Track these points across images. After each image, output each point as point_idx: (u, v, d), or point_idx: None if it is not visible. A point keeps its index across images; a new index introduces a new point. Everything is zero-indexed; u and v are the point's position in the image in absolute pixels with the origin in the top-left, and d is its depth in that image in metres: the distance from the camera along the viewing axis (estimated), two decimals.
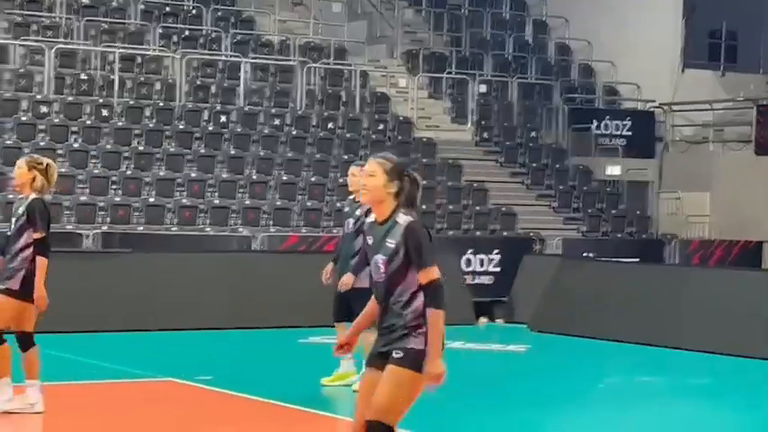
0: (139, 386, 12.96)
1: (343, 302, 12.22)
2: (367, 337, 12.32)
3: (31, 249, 10.32)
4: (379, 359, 6.70)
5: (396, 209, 6.68)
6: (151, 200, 21.50)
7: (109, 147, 22.41)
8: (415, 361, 6.55)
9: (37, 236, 10.26)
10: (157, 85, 24.52)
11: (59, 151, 21.80)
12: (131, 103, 23.71)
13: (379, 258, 6.65)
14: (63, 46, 24.38)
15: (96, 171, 21.78)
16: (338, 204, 20.58)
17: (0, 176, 20.72)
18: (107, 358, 14.45)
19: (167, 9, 27.00)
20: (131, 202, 21.21)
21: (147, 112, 23.62)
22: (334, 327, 12.53)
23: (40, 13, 25.47)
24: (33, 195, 10.34)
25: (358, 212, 12.40)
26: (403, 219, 6.62)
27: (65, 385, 12.70)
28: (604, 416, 12.22)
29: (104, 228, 20.43)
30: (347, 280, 12.14)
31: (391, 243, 6.60)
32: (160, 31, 26.15)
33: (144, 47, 25.66)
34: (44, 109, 22.81)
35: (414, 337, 6.58)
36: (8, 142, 21.59)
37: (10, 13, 25.00)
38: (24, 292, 10.27)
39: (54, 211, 20.23)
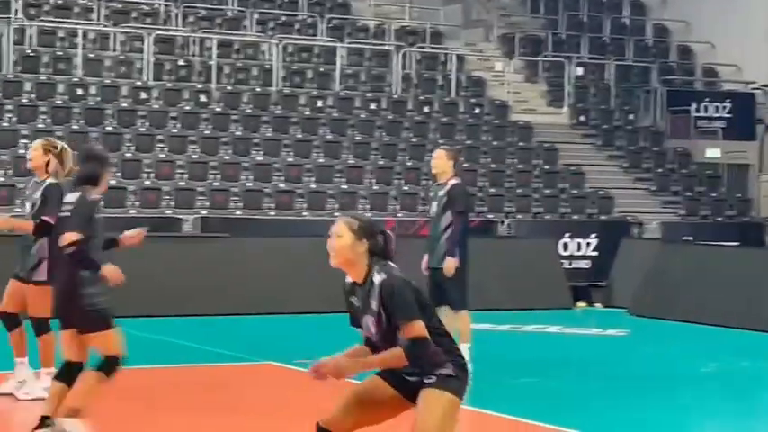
0: (239, 369, 12.98)
1: (435, 287, 12.11)
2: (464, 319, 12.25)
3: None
4: (390, 375, 6.49)
5: (370, 268, 6.39)
6: (249, 185, 21.54)
7: (207, 132, 22.50)
8: (449, 384, 6.31)
9: (47, 220, 9.76)
10: (254, 71, 24.58)
11: (159, 137, 21.96)
12: (229, 88, 23.80)
13: (369, 319, 6.41)
14: (162, 33, 24.53)
15: (195, 156, 21.87)
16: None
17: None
18: (207, 341, 14.50)
19: None
20: (229, 187, 21.27)
21: (245, 98, 23.68)
22: None
23: (139, 1, 25.63)
24: (50, 180, 10.10)
25: (441, 194, 12.29)
26: (378, 278, 6.35)
27: (166, 368, 12.76)
28: (710, 401, 12.00)
29: (203, 212, 20.50)
30: (451, 265, 11.97)
31: (375, 305, 6.35)
32: (257, 17, 26.23)
33: (241, 33, 25.73)
34: (143, 95, 22.96)
35: (441, 367, 6.34)
36: (108, 128, 21.76)
37: (110, 0, 25.18)
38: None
39: (155, 195, 20.50)
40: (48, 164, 10.12)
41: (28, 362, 10.48)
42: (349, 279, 6.51)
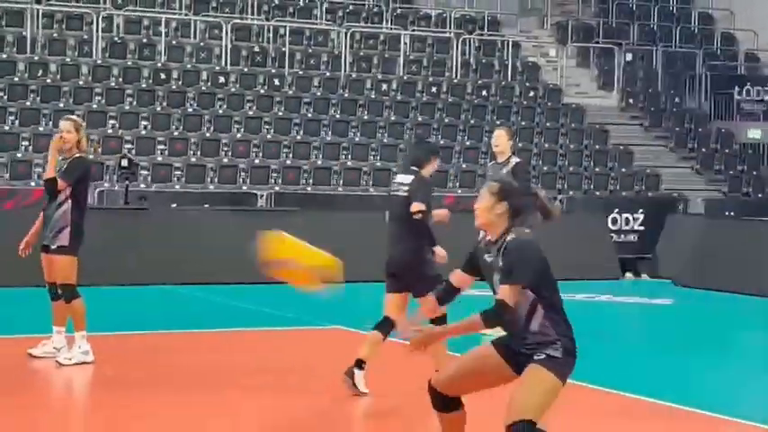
0: (310, 333, 13.10)
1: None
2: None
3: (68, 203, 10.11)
4: (504, 346, 6.29)
5: (508, 229, 6.20)
6: (319, 162, 21.67)
7: (281, 114, 22.64)
8: (556, 365, 6.08)
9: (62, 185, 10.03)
10: (324, 57, 24.66)
11: (236, 118, 22.10)
12: (300, 73, 23.90)
13: (496, 279, 6.18)
14: (238, 21, 24.66)
15: (269, 136, 22.02)
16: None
17: (181, 141, 21.12)
18: (284, 308, 14.61)
19: None
20: (301, 165, 21.41)
21: (315, 82, 23.78)
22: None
23: None
24: (77, 153, 10.25)
25: (504, 171, 12.19)
26: (509, 237, 6.17)
27: (244, 332, 12.91)
28: (749, 363, 12.00)
29: (276, 188, 20.65)
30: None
31: (501, 263, 6.15)
32: (326, 6, 26.28)
33: (311, 21, 25.82)
34: (221, 79, 23.12)
35: (550, 347, 6.12)
36: (189, 110, 21.96)
37: None
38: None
39: (231, 172, 20.68)
40: (79, 142, 10.32)
41: (65, 331, 10.41)
42: (488, 237, 6.31)
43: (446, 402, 6.29)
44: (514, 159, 12.35)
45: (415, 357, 6.77)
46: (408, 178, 9.40)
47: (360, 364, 9.11)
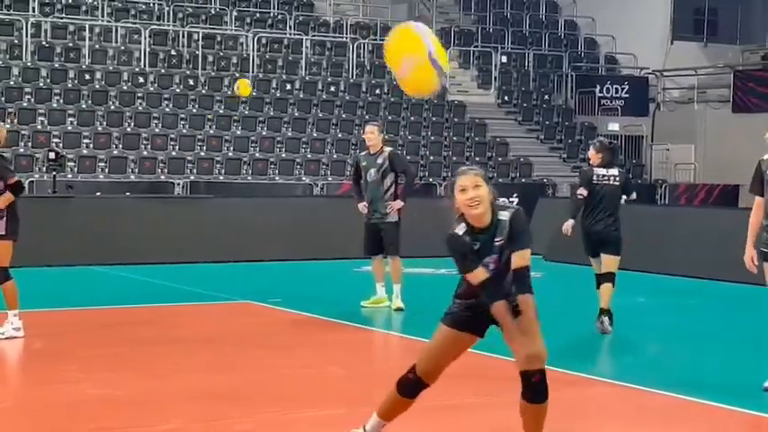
0: (223, 307, 13.07)
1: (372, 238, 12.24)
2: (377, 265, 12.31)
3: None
4: (463, 320, 5.82)
5: (493, 210, 5.66)
6: (230, 154, 21.56)
7: (195, 111, 22.48)
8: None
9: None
10: (234, 59, 24.53)
11: (155, 115, 21.89)
12: (212, 74, 23.75)
13: (490, 259, 5.63)
14: (156, 27, 24.40)
15: (185, 131, 21.85)
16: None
17: (105, 135, 20.85)
18: (197, 285, 14.57)
19: None
20: (214, 156, 21.29)
21: (226, 82, 23.65)
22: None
23: (137, 0, 25.47)
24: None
25: (378, 161, 12.11)
26: (505, 214, 5.64)
27: (165, 306, 12.83)
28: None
29: (192, 178, 20.52)
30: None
31: (499, 241, 5.62)
32: (236, 14, 26.13)
33: (223, 27, 25.65)
34: (141, 80, 22.88)
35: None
36: (111, 107, 21.70)
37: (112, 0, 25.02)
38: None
39: (151, 163, 20.50)
40: None
41: None
42: (461, 230, 5.68)
43: (418, 391, 5.91)
44: (387, 149, 12.37)
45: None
46: (614, 171, 11.00)
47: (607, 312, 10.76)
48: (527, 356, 5.57)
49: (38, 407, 7.59)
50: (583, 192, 11.06)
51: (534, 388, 5.59)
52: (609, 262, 11.00)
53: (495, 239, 5.63)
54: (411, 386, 5.90)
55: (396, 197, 12.20)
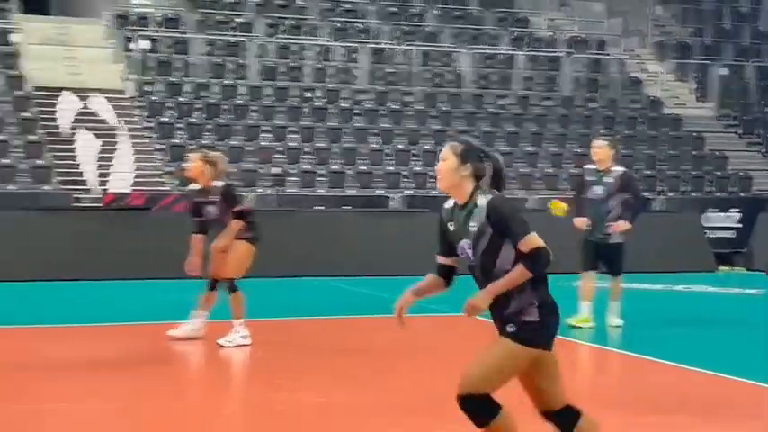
0: (439, 319, 13.00)
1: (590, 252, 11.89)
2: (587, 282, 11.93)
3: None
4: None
5: (474, 191, 5.25)
6: None
7: (412, 126, 22.66)
8: (523, 334, 5.17)
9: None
10: (448, 75, 24.61)
11: (372, 131, 22.18)
12: (428, 90, 23.89)
13: (465, 243, 5.26)
14: (374, 46, 24.74)
15: (400, 146, 22.05)
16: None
17: (325, 151, 21.25)
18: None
19: (456, 13, 27.04)
20: (428, 171, 21.38)
21: (441, 98, 23.75)
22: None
23: (355, 20, 25.90)
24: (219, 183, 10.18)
25: (605, 180, 11.85)
26: (483, 200, 5.19)
27: (381, 318, 12.90)
28: None
29: (407, 192, 20.67)
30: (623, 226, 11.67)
31: (473, 226, 5.20)
32: (451, 31, 26.23)
33: (438, 44, 25.78)
34: (360, 97, 23.23)
35: (528, 311, 5.20)
36: (330, 124, 22.11)
37: (332, 20, 25.54)
38: None
39: (367, 178, 20.76)
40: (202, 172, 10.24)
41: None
42: (449, 205, 5.37)
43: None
44: (621, 169, 11.98)
45: None
46: None
47: None
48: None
49: (256, 414, 7.72)
50: None
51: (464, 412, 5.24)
52: None
53: (470, 223, 5.23)
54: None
55: (619, 217, 11.79)
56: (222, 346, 10.14)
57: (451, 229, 5.34)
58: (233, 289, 10.24)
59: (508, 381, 5.22)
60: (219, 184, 10.19)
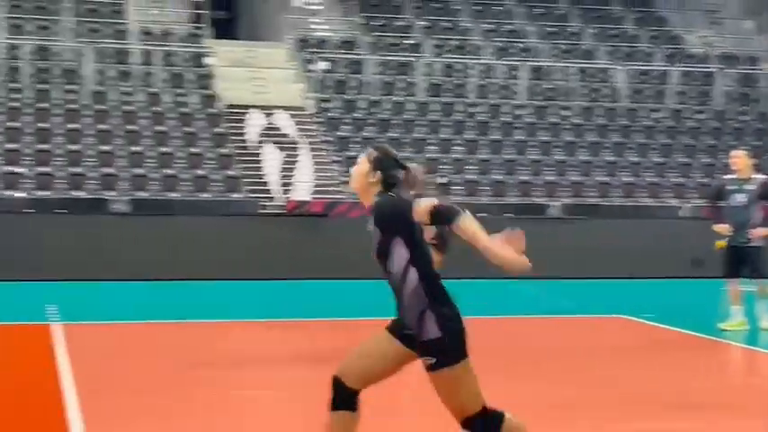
0: (592, 321, 13.28)
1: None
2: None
3: None
4: (397, 330, 5.11)
5: (378, 196, 5.13)
6: (602, 178, 21.82)
7: (568, 138, 22.92)
8: (447, 358, 4.89)
9: None
10: (604, 91, 24.76)
11: (532, 143, 22.53)
12: (584, 105, 24.09)
13: (375, 240, 5.11)
14: (533, 63, 25.07)
15: (558, 157, 22.35)
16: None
17: (487, 162, 21.71)
18: (568, 297, 14.80)
19: (612, 32, 27.11)
20: (584, 181, 21.64)
21: (598, 111, 23.91)
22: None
23: (516, 40, 26.23)
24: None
25: (746, 188, 11.95)
26: (374, 200, 5.11)
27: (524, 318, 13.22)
28: None
29: (565, 200, 20.96)
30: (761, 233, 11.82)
31: (370, 228, 5.08)
32: (607, 49, 26.33)
33: (595, 61, 25.93)
34: (519, 112, 23.59)
35: (426, 322, 4.94)
36: (493, 137, 22.56)
37: (493, 40, 25.93)
38: None
39: (527, 187, 21.13)
40: None
41: None
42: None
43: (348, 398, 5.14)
44: (761, 177, 12.15)
45: None
46: None
47: None
48: None
49: None
50: None
51: None
52: None
53: (368, 226, 5.13)
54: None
55: (761, 224, 11.97)
56: None
57: (370, 229, 5.15)
58: None
59: (478, 389, 4.98)
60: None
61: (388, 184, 5.13)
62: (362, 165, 5.19)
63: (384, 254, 5.04)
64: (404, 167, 5.18)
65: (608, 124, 23.60)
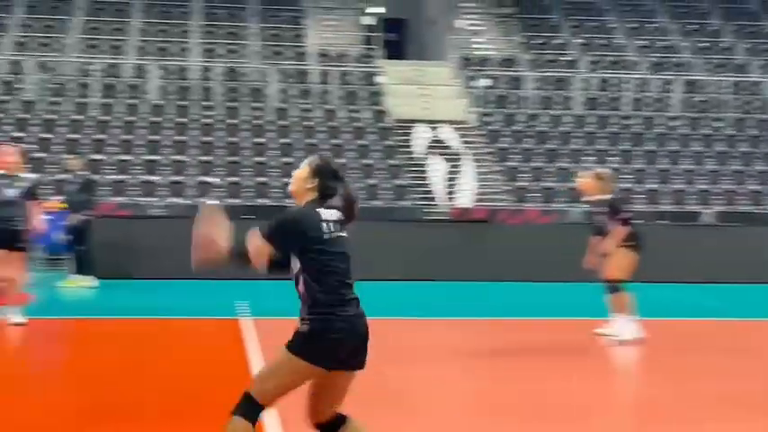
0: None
1: None
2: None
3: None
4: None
5: (310, 203, 5.14)
6: (753, 187, 21.54)
7: (720, 149, 22.75)
8: (294, 343, 4.95)
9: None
10: (757, 103, 24.35)
11: (683, 153, 22.37)
12: (737, 116, 23.74)
13: None
14: (688, 77, 24.82)
15: (711, 167, 22.20)
16: None
17: (642, 172, 21.67)
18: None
19: (765, 46, 26.63)
20: (738, 189, 21.44)
21: (750, 123, 23.50)
22: None
23: (671, 55, 26.03)
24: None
25: None
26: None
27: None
28: None
29: (717, 208, 20.80)
30: None
31: None
32: (759, 62, 25.86)
33: (747, 75, 25.53)
34: (672, 123, 23.44)
35: (301, 324, 4.99)
36: (647, 148, 22.54)
37: (649, 56, 25.81)
38: None
39: (679, 195, 21.03)
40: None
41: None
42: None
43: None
44: None
45: None
46: None
47: None
48: None
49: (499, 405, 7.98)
50: None
51: None
52: None
53: None
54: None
55: None
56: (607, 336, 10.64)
57: None
58: (615, 289, 10.67)
59: (285, 391, 4.96)
60: (607, 196, 10.94)
61: (324, 194, 5.16)
62: (303, 170, 5.21)
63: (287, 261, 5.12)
64: (342, 181, 5.19)
65: (760, 135, 23.29)
